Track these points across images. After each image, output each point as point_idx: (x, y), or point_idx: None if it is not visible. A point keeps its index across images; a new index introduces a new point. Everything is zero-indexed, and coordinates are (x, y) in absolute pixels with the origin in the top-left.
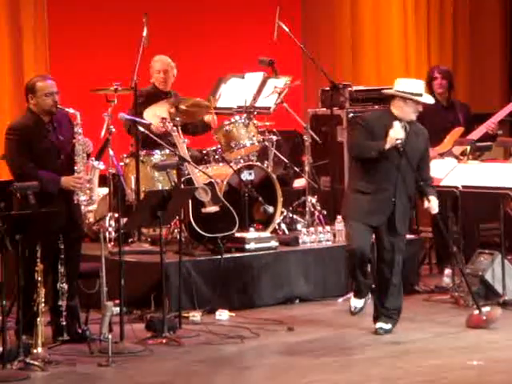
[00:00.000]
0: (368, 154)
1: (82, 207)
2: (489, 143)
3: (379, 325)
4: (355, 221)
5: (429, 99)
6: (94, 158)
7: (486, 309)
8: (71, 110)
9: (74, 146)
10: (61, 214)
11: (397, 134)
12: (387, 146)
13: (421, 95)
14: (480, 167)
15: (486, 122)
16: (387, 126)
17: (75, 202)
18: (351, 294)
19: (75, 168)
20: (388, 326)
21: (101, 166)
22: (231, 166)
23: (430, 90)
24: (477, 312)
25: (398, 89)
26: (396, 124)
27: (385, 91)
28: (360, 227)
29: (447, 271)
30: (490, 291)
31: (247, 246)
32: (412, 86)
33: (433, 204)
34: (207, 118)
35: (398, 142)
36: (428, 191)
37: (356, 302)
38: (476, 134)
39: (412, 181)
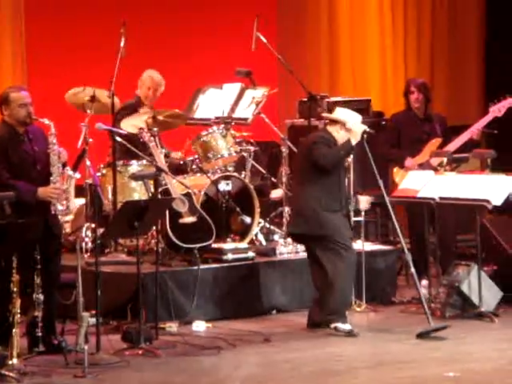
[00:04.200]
0: (341, 156)
1: (60, 217)
2: (465, 155)
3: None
4: (345, 239)
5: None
6: (69, 168)
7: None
8: (46, 121)
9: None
10: (38, 224)
11: (361, 125)
12: (358, 138)
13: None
14: (457, 179)
15: (466, 131)
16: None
17: (53, 212)
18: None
19: (51, 178)
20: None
21: (77, 175)
22: (208, 177)
23: (407, 102)
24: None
25: (339, 116)
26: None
27: (329, 115)
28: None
29: (424, 282)
30: (467, 302)
31: (224, 257)
32: (351, 115)
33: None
34: (175, 154)
35: (367, 128)
36: None
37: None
38: (453, 146)
39: None
